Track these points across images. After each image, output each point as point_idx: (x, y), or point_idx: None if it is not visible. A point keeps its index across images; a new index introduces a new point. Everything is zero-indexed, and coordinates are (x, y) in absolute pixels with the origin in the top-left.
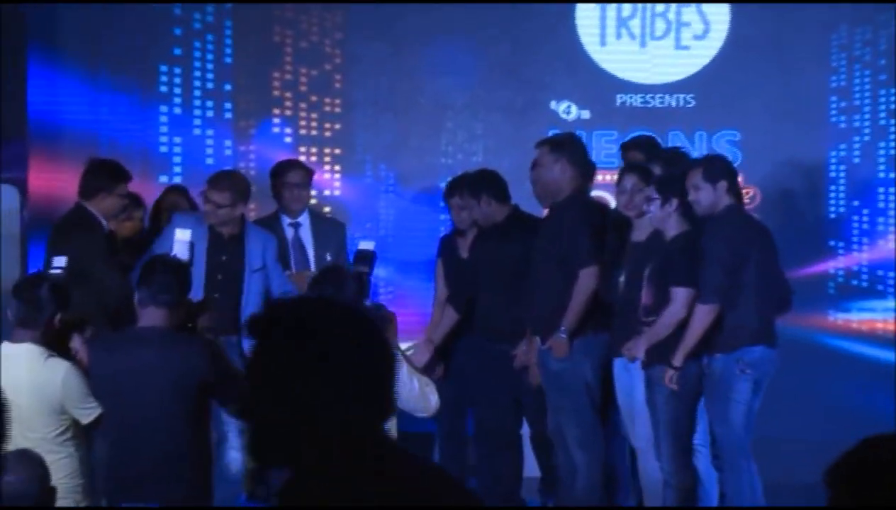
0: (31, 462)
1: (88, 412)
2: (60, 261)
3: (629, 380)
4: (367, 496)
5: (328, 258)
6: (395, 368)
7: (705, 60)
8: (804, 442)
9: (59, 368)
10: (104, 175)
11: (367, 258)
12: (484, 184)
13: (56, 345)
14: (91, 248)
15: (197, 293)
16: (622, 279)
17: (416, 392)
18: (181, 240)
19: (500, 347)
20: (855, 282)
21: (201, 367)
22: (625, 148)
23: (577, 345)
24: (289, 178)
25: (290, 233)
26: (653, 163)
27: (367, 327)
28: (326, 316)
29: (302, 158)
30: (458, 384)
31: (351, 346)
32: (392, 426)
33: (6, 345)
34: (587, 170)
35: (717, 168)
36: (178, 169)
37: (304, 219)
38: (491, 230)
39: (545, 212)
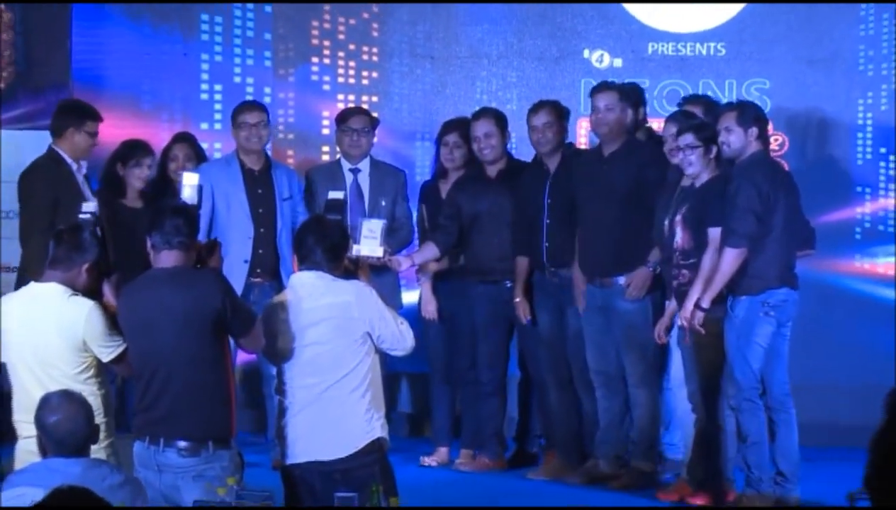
0: (76, 401)
1: (110, 350)
2: (90, 207)
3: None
4: None
5: (383, 205)
6: None
7: (736, 9)
8: (832, 386)
9: (83, 306)
10: (72, 113)
11: (338, 206)
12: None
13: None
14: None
15: (247, 230)
16: (666, 223)
17: (395, 331)
18: (189, 184)
19: (498, 288)
20: (881, 228)
21: (216, 299)
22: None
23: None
24: (350, 123)
25: (349, 178)
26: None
27: None
28: None
29: (340, 106)
30: (452, 325)
31: None
32: (377, 365)
33: (33, 284)
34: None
35: (750, 114)
36: (218, 116)
37: (365, 165)
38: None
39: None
